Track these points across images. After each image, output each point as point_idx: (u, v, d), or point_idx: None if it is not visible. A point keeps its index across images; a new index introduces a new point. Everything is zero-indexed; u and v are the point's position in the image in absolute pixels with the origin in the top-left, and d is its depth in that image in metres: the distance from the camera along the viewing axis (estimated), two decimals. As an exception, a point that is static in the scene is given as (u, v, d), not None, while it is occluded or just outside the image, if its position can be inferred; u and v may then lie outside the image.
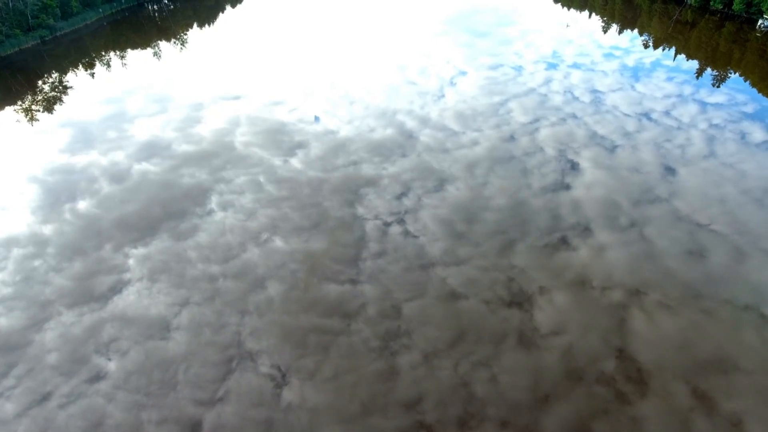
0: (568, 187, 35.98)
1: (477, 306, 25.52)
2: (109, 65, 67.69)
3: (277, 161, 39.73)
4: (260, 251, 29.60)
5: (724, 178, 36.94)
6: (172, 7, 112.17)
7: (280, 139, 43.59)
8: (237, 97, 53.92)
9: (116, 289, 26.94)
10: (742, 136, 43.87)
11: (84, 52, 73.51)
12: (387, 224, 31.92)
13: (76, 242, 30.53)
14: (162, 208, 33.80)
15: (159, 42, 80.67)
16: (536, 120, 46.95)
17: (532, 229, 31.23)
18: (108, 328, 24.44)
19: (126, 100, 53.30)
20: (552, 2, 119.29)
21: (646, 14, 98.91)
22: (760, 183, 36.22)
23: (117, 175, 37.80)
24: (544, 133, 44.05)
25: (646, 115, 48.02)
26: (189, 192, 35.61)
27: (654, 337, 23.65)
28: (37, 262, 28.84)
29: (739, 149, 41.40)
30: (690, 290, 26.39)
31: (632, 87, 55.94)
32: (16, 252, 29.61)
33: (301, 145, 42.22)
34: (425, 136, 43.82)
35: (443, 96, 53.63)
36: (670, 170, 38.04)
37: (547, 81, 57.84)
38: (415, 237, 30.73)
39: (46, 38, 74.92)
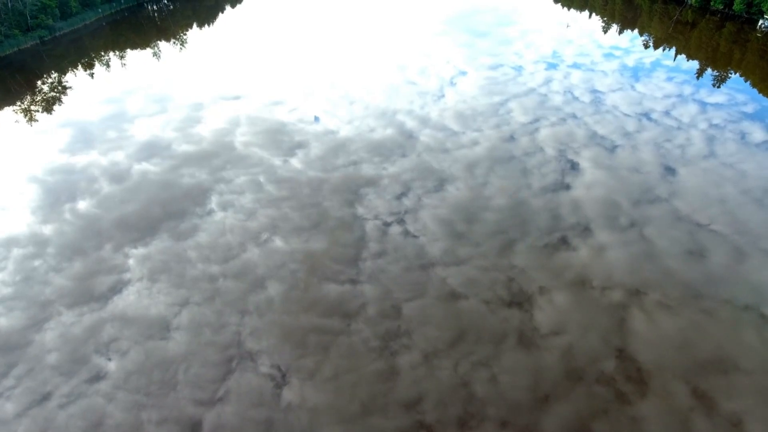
0: (568, 187, 35.99)
1: (477, 306, 25.53)
2: (108, 65, 67.68)
3: (277, 161, 39.73)
4: (260, 251, 29.60)
5: (724, 178, 36.95)
6: (171, 7, 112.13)
7: (280, 139, 43.59)
8: (237, 97, 53.91)
9: (116, 289, 26.95)
10: (742, 136, 43.87)
11: (83, 52, 73.47)
12: (387, 224, 31.93)
13: (76, 242, 30.54)
14: (162, 208, 33.81)
15: (159, 42, 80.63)
16: (536, 120, 46.94)
17: (532, 229, 31.24)
18: (108, 328, 24.46)
19: (126, 100, 53.30)
20: (552, 2, 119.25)
21: (646, 14, 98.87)
22: (760, 183, 36.23)
23: (117, 175, 37.81)
24: (544, 133, 44.05)
25: (646, 115, 48.01)
26: (189, 192, 35.62)
27: (654, 337, 23.66)
28: (37, 262, 28.86)
29: (739, 149, 41.40)
30: (690, 290, 26.41)
31: (632, 87, 55.92)
32: (16, 252, 29.63)
33: (301, 145, 42.23)
34: (425, 136, 43.82)
35: (443, 96, 53.61)
36: (670, 170, 38.05)
37: (547, 81, 57.81)
38: (415, 237, 30.73)
39: (45, 38, 74.91)
